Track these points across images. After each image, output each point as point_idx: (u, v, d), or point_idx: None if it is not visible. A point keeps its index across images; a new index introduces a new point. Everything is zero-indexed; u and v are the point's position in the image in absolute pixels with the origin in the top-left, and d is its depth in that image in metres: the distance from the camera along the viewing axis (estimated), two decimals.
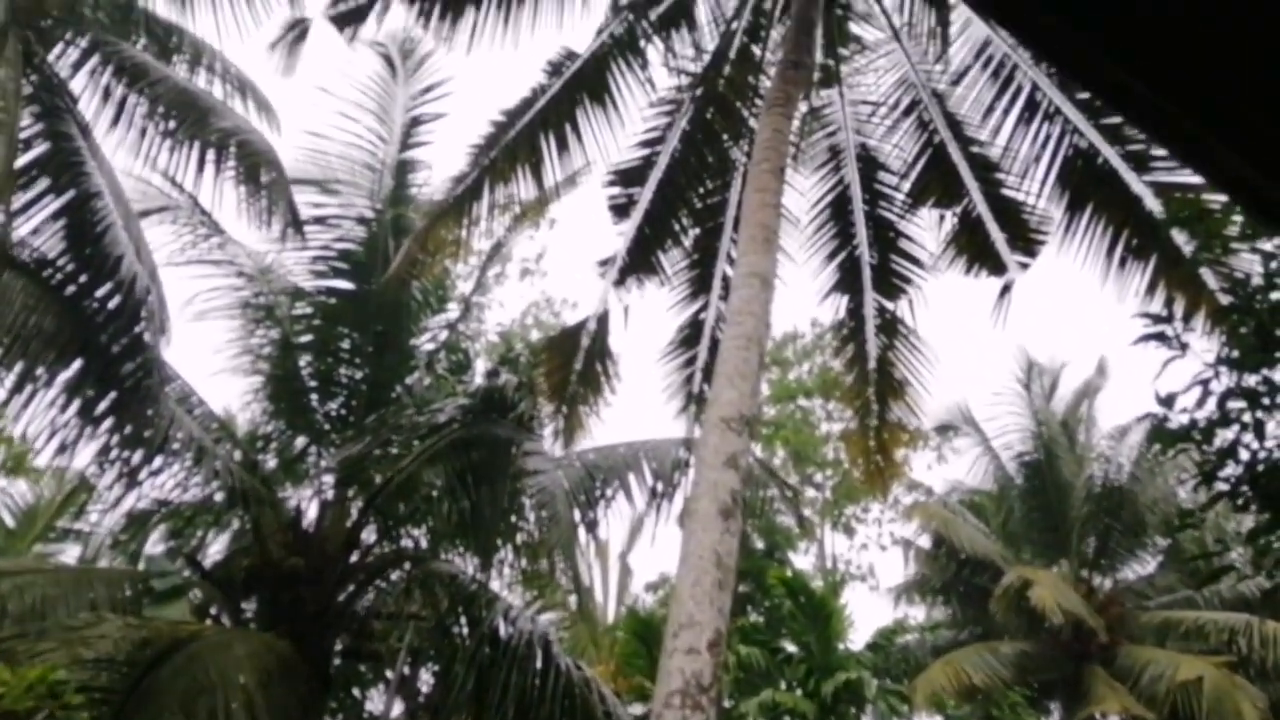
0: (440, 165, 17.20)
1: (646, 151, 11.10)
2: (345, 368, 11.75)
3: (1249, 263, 7.36)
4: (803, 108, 10.66)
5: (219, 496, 10.29)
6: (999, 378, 20.71)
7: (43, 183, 9.35)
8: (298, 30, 9.98)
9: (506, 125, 10.58)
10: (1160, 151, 9.08)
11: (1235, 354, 6.04)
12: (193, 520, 11.04)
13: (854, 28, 11.04)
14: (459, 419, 10.52)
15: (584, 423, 11.53)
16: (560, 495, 10.20)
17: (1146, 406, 5.88)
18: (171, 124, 10.06)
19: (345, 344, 11.73)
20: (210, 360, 11.38)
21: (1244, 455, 5.91)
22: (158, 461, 9.83)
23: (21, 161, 9.25)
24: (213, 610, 10.82)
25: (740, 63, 10.93)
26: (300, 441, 11.50)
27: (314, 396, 11.59)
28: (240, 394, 11.63)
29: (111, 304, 9.20)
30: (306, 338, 11.77)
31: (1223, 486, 6.08)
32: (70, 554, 14.86)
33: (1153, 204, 9.58)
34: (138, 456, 9.64)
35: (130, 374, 9.27)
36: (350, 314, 11.65)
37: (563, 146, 10.70)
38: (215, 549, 11.14)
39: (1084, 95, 9.38)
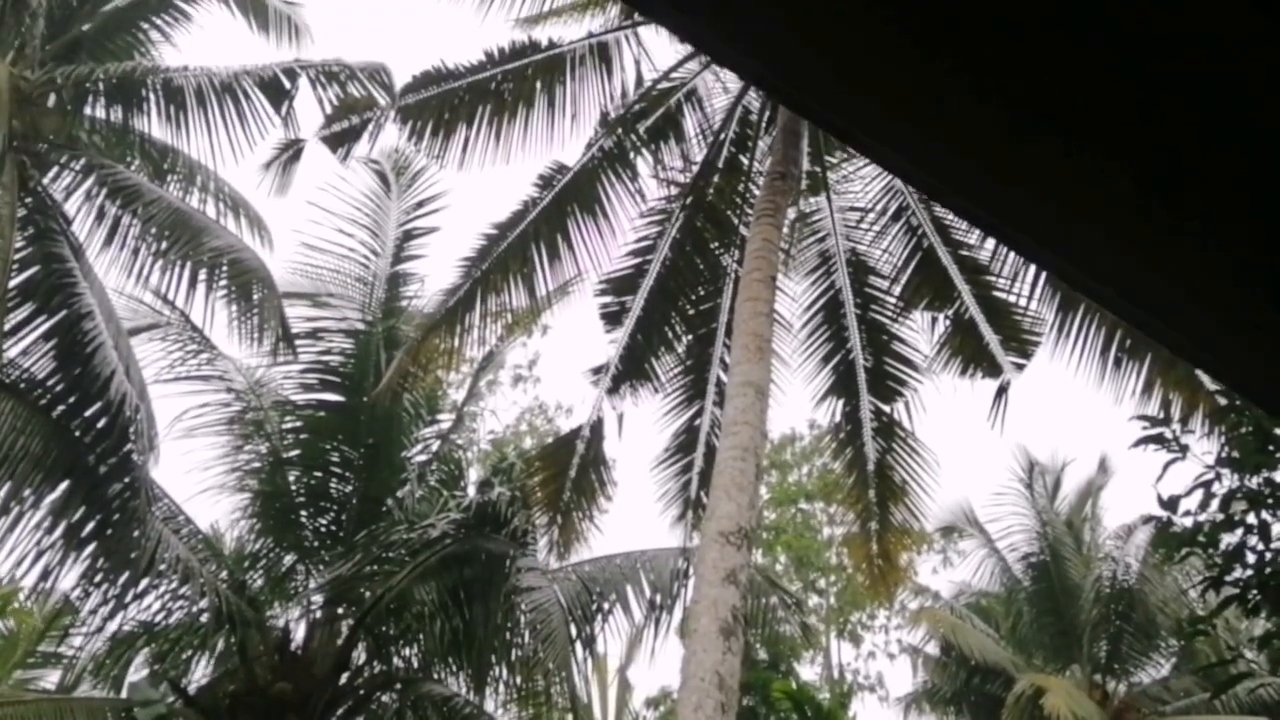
0: (433, 276, 17.32)
1: (638, 260, 11.16)
2: (335, 482, 11.59)
3: None
4: (791, 215, 10.77)
5: (205, 618, 10.04)
6: (1000, 477, 20.39)
7: (34, 304, 9.36)
8: (291, 151, 10.13)
9: (498, 237, 10.66)
10: None
11: (1236, 455, 5.95)
12: (178, 643, 10.74)
13: None
14: (451, 534, 10.34)
15: (579, 533, 11.32)
16: (556, 611, 9.95)
17: (1150, 503, 5.78)
18: (164, 244, 10.14)
19: (335, 458, 11.59)
20: (199, 477, 11.24)
21: (1250, 558, 5.77)
22: (144, 584, 9.63)
23: (13, 283, 9.28)
24: None
25: (728, 172, 11.09)
26: (289, 559, 11.29)
27: (303, 512, 11.41)
28: (228, 511, 11.46)
29: (100, 424, 9.13)
30: (296, 452, 11.64)
31: (1231, 590, 5.92)
32: (51, 679, 14.40)
33: None
34: (123, 579, 9.45)
35: (117, 495, 9.15)
36: (341, 427, 11.54)
37: (554, 256, 10.77)
38: (200, 673, 10.82)
39: None
